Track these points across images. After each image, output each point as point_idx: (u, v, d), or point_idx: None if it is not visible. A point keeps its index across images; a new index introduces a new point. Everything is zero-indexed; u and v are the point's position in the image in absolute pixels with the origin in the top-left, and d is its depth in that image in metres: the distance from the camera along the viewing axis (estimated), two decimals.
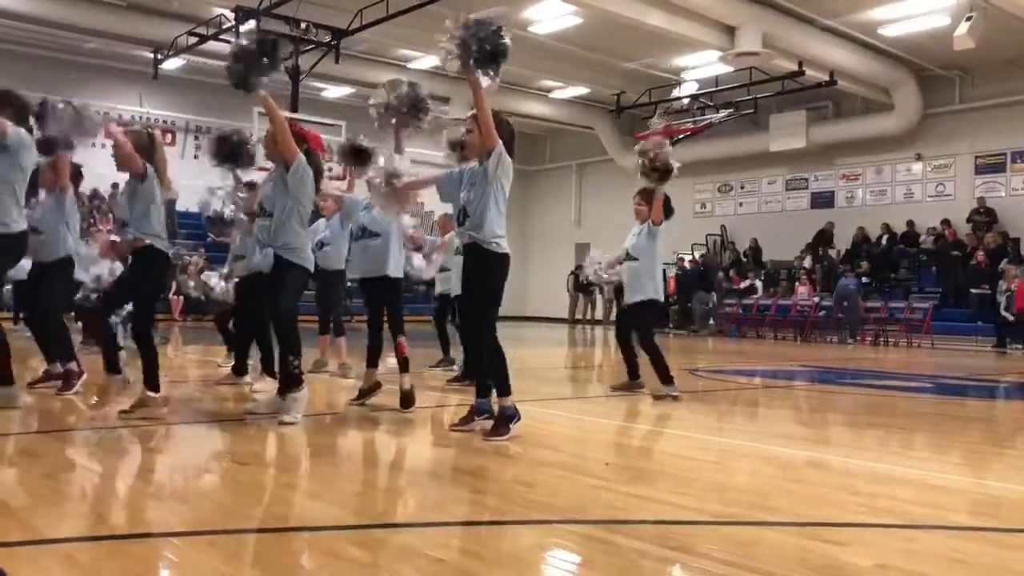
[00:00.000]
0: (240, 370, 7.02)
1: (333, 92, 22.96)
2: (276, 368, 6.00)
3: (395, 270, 5.90)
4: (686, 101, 21.20)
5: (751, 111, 20.69)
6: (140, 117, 21.91)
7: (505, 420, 4.78)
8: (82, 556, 2.63)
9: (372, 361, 5.93)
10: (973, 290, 17.65)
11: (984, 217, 18.96)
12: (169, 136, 23.00)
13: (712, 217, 24.65)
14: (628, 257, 7.05)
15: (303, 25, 17.15)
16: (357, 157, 6.18)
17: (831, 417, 6.76)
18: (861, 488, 3.83)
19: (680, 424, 5.96)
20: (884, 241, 20.47)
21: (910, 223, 20.18)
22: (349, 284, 9.37)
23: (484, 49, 4.55)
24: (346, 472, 4.10)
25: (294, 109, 18.75)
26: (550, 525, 3.12)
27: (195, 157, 23.30)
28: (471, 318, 5.14)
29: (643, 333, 7.01)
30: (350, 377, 7.48)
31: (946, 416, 6.80)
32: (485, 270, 4.82)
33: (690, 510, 3.35)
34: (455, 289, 7.22)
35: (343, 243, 7.52)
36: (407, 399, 5.70)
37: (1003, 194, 19.34)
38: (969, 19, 14.78)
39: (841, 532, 3.10)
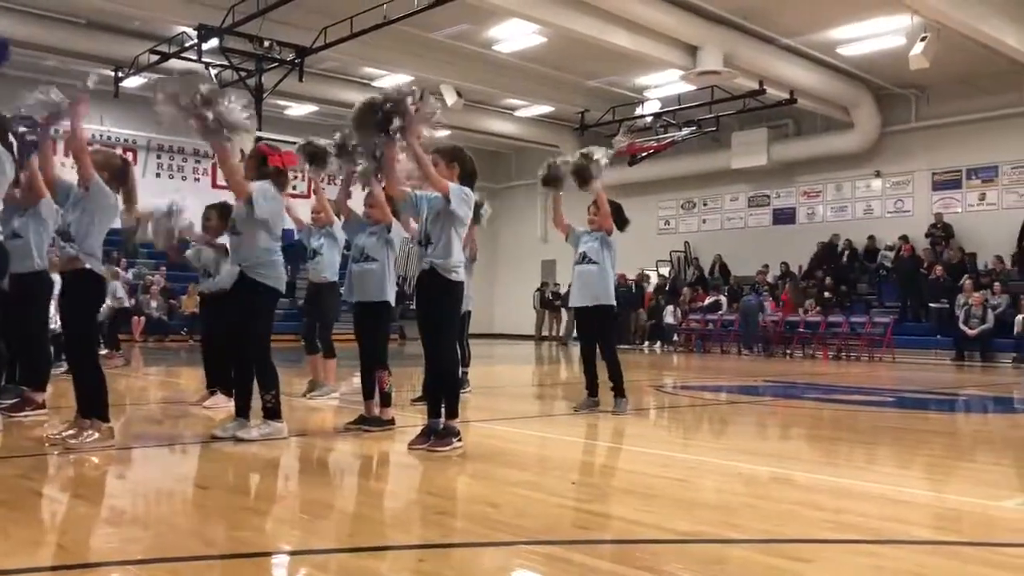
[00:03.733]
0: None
1: (297, 110, 22.86)
2: (232, 386, 5.90)
3: (389, 294, 5.90)
4: (649, 119, 21.38)
5: (713, 129, 20.92)
6: (101, 136, 21.72)
7: (450, 433, 4.92)
8: None
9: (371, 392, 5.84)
10: (932, 304, 17.95)
11: (941, 232, 19.30)
12: (131, 154, 22.77)
13: (676, 234, 24.84)
14: (585, 260, 6.83)
15: (266, 43, 17.07)
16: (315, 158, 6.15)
17: (795, 432, 6.81)
18: (826, 504, 3.86)
19: (645, 441, 5.98)
20: (845, 257, 20.74)
21: (871, 238, 20.49)
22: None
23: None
24: (310, 495, 4.05)
25: (257, 127, 18.64)
26: (516, 546, 3.10)
27: (156, 176, 23.11)
28: (430, 341, 5.07)
29: (608, 342, 6.92)
30: (332, 399, 7.40)
31: (908, 430, 6.88)
32: (445, 297, 4.95)
33: (656, 528, 3.35)
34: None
35: (336, 253, 7.40)
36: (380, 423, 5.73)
37: (959, 210, 19.71)
38: (924, 40, 15.09)
39: (806, 548, 3.12)
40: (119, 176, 5.12)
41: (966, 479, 4.77)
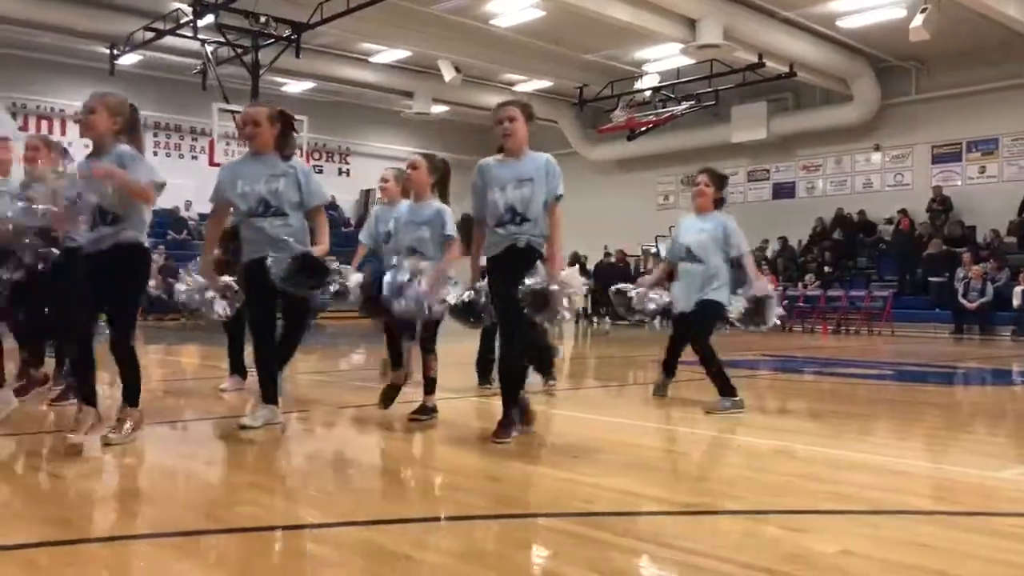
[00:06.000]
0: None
1: (294, 87, 22.76)
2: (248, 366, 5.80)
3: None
4: (648, 93, 21.29)
5: (712, 103, 20.83)
6: None
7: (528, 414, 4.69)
8: (44, 560, 2.58)
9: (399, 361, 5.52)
10: (931, 278, 17.96)
11: (940, 206, 19.27)
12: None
13: (675, 209, 24.74)
14: (688, 256, 5.96)
15: (262, 19, 16.97)
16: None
17: (794, 405, 6.84)
18: (825, 475, 3.89)
19: (646, 415, 6.00)
20: (842, 230, 20.70)
21: (861, 213, 20.46)
22: None
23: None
24: (312, 471, 4.07)
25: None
26: (519, 519, 3.13)
27: (154, 154, 23.01)
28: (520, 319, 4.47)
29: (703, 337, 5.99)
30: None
31: (907, 402, 6.91)
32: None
33: (658, 501, 3.38)
34: None
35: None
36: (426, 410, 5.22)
37: (959, 183, 19.68)
38: (924, 11, 15.01)
39: (806, 520, 3.14)
40: (132, 126, 4.43)
41: (964, 450, 4.79)
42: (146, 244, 4.37)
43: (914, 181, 20.41)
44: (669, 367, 6.41)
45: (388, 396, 5.43)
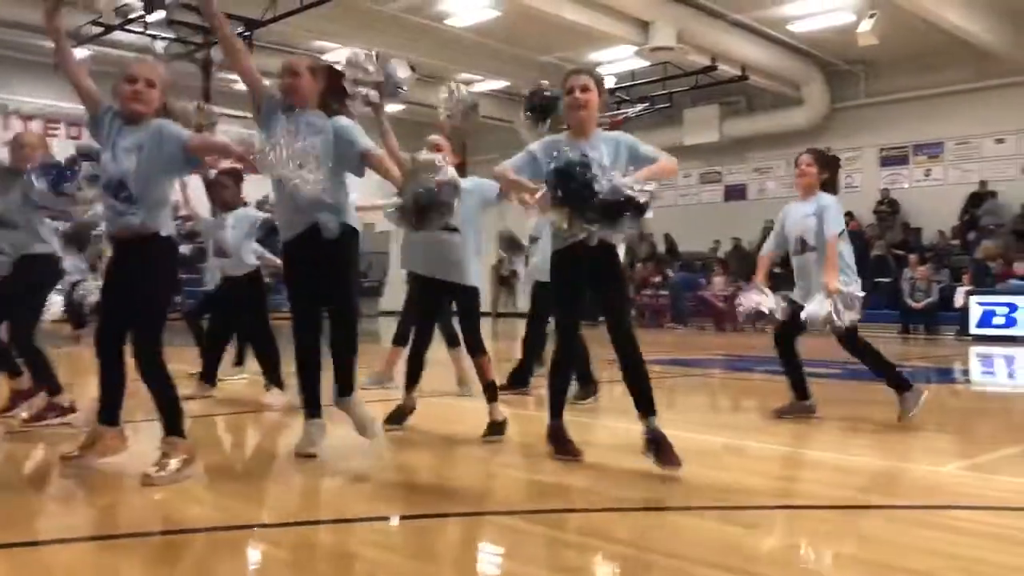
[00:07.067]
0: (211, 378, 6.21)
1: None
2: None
3: (473, 278, 4.79)
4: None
5: (666, 105, 21.01)
6: (41, 110, 21.14)
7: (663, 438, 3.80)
8: None
9: (413, 380, 4.84)
10: (878, 279, 18.30)
11: (888, 208, 19.66)
12: (76, 130, 22.17)
13: None
14: (804, 248, 5.55)
15: None
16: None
17: (746, 403, 6.92)
18: (775, 472, 3.94)
19: (598, 413, 6.03)
20: None
21: None
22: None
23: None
24: (266, 472, 4.03)
25: (207, 100, 18.31)
26: (469, 517, 3.12)
27: None
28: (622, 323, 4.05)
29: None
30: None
31: (855, 400, 7.03)
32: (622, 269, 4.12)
33: (608, 497, 3.39)
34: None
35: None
36: (496, 428, 4.65)
37: (906, 185, 20.09)
38: (872, 16, 15.30)
39: (755, 515, 3.18)
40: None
41: (910, 447, 4.89)
42: (165, 234, 3.62)
43: (863, 183, 20.79)
44: (800, 385, 5.72)
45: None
